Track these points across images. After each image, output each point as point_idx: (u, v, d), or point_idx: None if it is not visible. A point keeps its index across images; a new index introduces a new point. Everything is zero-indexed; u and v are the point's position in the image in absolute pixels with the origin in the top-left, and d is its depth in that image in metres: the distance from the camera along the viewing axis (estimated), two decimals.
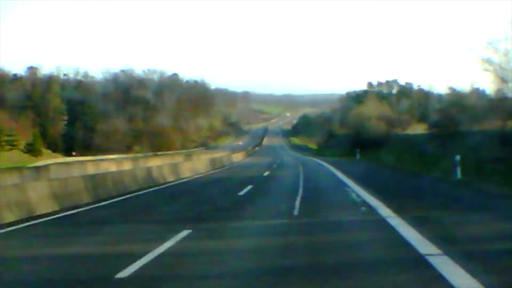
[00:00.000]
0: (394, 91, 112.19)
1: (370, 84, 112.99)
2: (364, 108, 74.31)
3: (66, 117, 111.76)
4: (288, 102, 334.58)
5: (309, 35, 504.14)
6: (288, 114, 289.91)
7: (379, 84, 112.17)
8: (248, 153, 72.23)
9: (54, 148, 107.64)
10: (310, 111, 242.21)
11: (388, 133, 58.86)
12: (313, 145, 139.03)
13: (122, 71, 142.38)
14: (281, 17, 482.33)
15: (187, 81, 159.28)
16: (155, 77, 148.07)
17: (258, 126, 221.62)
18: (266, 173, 31.55)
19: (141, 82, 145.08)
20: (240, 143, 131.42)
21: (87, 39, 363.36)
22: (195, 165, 32.53)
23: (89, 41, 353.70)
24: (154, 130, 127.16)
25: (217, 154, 46.08)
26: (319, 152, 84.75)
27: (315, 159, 52.62)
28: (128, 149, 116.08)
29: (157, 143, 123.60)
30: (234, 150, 74.50)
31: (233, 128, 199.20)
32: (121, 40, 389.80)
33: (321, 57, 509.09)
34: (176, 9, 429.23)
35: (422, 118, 71.68)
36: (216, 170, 35.70)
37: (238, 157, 53.81)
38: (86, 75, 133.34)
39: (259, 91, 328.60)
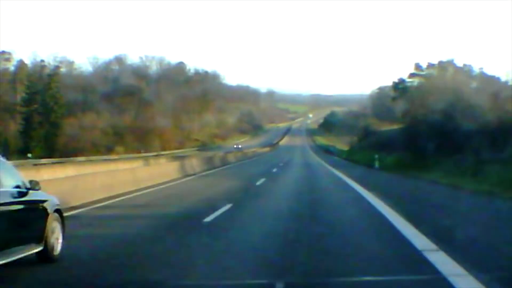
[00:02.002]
0: (449, 74, 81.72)
1: (418, 67, 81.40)
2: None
3: (24, 110, 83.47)
4: (315, 102, 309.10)
5: (337, 34, 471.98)
6: (310, 115, 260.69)
7: (430, 66, 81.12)
8: (216, 162, 40.25)
9: (4, 148, 78.96)
10: (338, 110, 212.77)
11: None
12: (343, 146, 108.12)
13: (116, 57, 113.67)
14: (309, 16, 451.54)
15: (196, 72, 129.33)
16: (154, 64, 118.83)
17: (278, 125, 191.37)
18: None
19: (136, 71, 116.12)
20: (240, 145, 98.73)
21: (81, 23, 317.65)
22: None
23: (84, 27, 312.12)
24: (146, 127, 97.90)
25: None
26: (355, 156, 54.00)
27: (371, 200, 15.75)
28: (109, 150, 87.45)
29: (149, 142, 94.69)
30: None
31: (251, 126, 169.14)
32: (131, 26, 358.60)
33: (348, 56, 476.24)
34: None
35: None
36: None
37: (158, 177, 21.19)
38: (65, 60, 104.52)
39: (286, 90, 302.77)
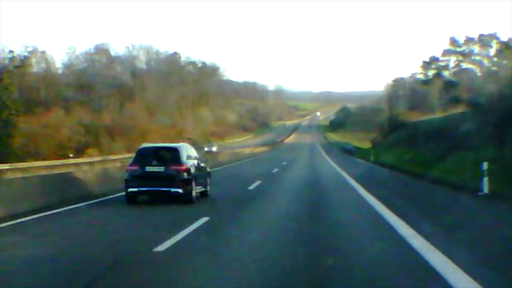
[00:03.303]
0: (491, 51, 64.26)
1: (454, 41, 63.78)
2: None
3: None
4: (325, 99, 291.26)
5: (347, 31, 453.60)
6: (318, 113, 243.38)
7: (469, 40, 63.56)
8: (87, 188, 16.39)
9: None
10: (350, 106, 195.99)
11: None
12: (360, 143, 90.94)
13: (96, 46, 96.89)
14: (319, 14, 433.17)
15: (192, 63, 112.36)
16: (142, 54, 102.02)
17: (285, 122, 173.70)
18: None
19: (122, 61, 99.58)
20: (214, 147, 72.90)
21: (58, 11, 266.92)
22: None
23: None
24: (127, 124, 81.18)
25: None
26: (390, 158, 34.99)
27: None
28: (79, 153, 71.27)
29: (129, 142, 77.98)
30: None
31: (256, 123, 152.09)
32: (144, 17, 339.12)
33: (358, 53, 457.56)
34: None
35: None
36: None
37: None
38: (36, 50, 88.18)
39: (296, 89, 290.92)
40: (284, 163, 37.58)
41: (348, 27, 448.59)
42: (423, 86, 61.27)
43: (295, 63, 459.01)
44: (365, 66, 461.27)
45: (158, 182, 13.81)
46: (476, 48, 62.03)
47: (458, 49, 62.61)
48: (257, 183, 21.17)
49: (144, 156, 14.31)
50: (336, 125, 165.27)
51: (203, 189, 15.48)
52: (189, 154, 14.76)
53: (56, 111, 74.57)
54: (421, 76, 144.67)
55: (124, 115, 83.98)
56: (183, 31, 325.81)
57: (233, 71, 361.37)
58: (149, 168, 13.88)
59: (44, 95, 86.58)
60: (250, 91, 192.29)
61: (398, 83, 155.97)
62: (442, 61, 62.87)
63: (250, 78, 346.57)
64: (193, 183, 14.11)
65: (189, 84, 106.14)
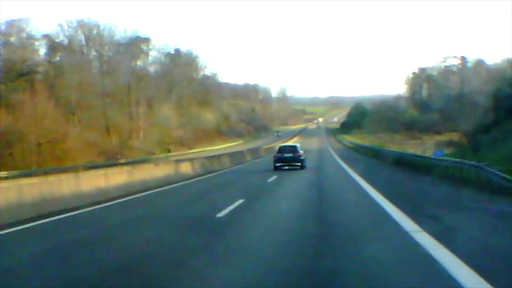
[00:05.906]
0: None
1: None
2: None
3: None
4: (334, 104, 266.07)
5: (355, 36, 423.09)
6: (320, 119, 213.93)
7: None
8: None
9: None
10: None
11: None
12: (390, 146, 58.45)
13: (9, 22, 64.80)
14: (328, 20, 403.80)
15: (146, 40, 79.71)
16: (81, 33, 70.05)
17: (279, 129, 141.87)
18: None
19: (51, 42, 67.77)
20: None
21: None
22: None
23: None
24: (27, 129, 49.18)
25: None
26: None
27: None
28: None
29: (20, 155, 46.12)
30: None
31: (252, 127, 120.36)
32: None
33: (364, 58, 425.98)
34: None
35: None
36: None
37: None
38: None
39: (303, 95, 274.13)
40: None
41: (354, 29, 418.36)
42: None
43: (301, 69, 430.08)
44: (372, 70, 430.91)
45: (290, 161, 28.66)
46: None
47: None
48: None
49: (283, 149, 29.93)
50: (349, 126, 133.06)
51: (305, 165, 29.42)
52: (301, 148, 30.33)
53: None
54: (453, 62, 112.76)
55: (29, 115, 52.35)
56: (194, 33, 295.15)
57: (236, 75, 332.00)
58: (286, 155, 28.97)
59: None
60: (251, 92, 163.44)
61: (419, 76, 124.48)
62: None
63: (253, 82, 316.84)
64: (304, 162, 29.12)
65: (146, 75, 74.37)
